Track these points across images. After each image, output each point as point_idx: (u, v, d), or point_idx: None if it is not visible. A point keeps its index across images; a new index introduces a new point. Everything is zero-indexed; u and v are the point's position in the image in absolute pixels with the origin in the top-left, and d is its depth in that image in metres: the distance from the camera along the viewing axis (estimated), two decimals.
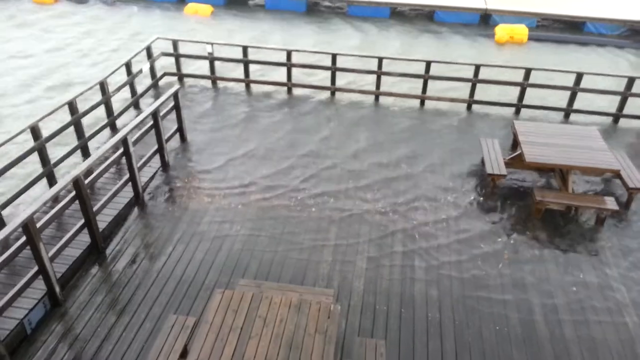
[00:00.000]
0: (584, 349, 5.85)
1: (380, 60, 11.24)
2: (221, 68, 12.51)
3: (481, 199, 8.39)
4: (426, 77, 11.22)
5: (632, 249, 7.40)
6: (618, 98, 10.88)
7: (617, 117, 10.94)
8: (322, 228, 7.52)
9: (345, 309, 6.15)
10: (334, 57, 11.38)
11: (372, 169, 9.03)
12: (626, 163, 8.78)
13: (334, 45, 15.10)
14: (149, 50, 11.34)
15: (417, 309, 6.24)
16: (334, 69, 11.49)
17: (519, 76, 11.04)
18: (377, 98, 11.64)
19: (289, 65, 11.59)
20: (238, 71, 12.24)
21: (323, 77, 12.30)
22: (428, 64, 11.12)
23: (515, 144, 9.56)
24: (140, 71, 10.96)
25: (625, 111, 10.87)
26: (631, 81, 10.60)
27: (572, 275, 6.90)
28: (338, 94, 11.78)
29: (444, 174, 8.96)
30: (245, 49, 11.64)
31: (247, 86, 12.03)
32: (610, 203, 7.83)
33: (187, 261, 6.78)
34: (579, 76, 10.69)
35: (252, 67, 12.09)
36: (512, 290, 6.60)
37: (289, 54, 11.49)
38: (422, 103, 11.54)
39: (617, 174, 8.56)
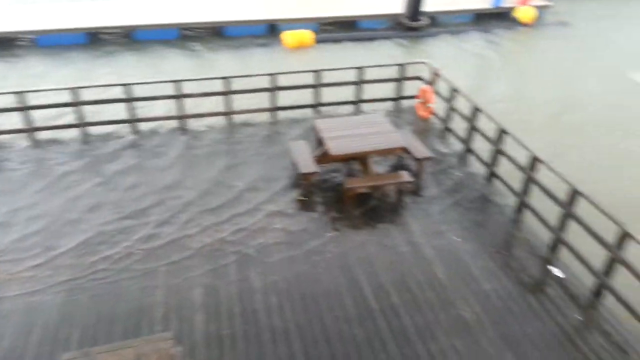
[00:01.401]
0: (410, 309, 6.57)
1: (176, 83, 11.00)
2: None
3: (300, 198, 8.83)
4: (227, 93, 11.36)
5: (429, 213, 8.54)
6: (395, 84, 12.37)
7: (397, 100, 12.45)
8: (150, 269, 7.12)
9: (189, 347, 5.93)
10: (128, 87, 10.80)
11: (190, 194, 8.84)
12: (411, 138, 10.08)
13: (124, 75, 14.36)
14: None
15: (260, 322, 6.32)
16: (129, 100, 10.90)
17: (312, 78, 11.80)
18: (180, 122, 11.39)
19: (77, 103, 10.66)
20: (18, 121, 10.82)
21: (119, 110, 11.59)
22: (226, 80, 11.27)
23: (320, 141, 10.26)
24: None
25: (403, 94, 12.41)
26: (403, 68, 12.13)
27: (388, 248, 7.70)
28: (139, 125, 11.21)
29: (261, 184, 9.19)
30: (20, 94, 10.35)
31: (30, 135, 10.72)
32: (406, 176, 8.92)
33: None
34: (361, 70, 11.90)
35: (38, 113, 10.81)
36: (342, 277, 7.10)
37: (75, 93, 10.55)
38: (229, 119, 11.66)
39: (406, 150, 9.77)
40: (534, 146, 8.16)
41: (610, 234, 6.49)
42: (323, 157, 9.46)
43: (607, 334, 6.32)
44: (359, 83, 11.99)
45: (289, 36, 17.17)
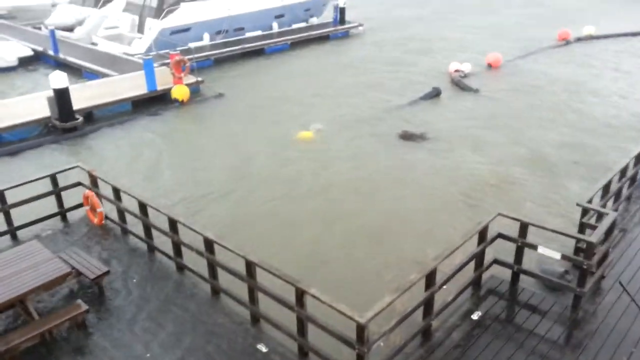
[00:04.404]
0: None
1: None
2: None
3: None
4: None
5: (122, 333, 7.37)
6: (55, 197, 10.68)
7: (62, 214, 10.76)
8: None
9: None
10: None
11: None
12: (81, 257, 8.67)
13: None
14: None
15: None
16: None
17: None
18: None
19: None
20: None
21: None
22: None
23: None
24: None
25: (68, 205, 10.82)
26: (55, 177, 10.54)
27: None
28: None
29: None
30: None
31: None
32: (82, 305, 7.53)
33: None
34: (2, 194, 9.84)
35: None
36: None
37: None
38: None
39: (77, 273, 8.34)
40: (210, 222, 7.95)
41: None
42: None
43: None
44: (4, 209, 9.89)
45: None
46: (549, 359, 6.77)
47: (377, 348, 6.35)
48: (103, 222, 10.38)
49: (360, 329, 5.75)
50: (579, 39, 29.14)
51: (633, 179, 10.49)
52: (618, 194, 9.87)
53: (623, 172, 9.80)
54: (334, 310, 6.00)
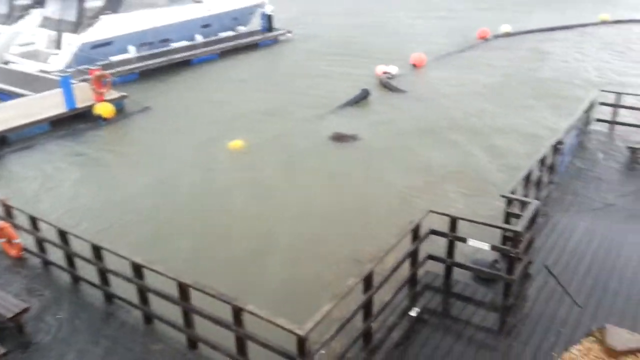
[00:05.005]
0: None
1: None
2: None
3: None
4: None
5: None
6: None
7: None
8: None
9: None
10: None
11: None
12: None
13: None
14: None
15: None
16: None
17: None
18: None
19: None
20: None
21: None
22: None
23: None
24: None
25: None
26: None
27: None
28: None
29: None
30: None
31: None
32: None
33: None
34: None
35: None
36: None
37: None
38: None
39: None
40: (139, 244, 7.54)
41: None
42: None
43: None
44: None
45: None
46: (486, 346, 6.97)
47: (320, 357, 6.24)
48: (22, 254, 9.65)
49: (301, 341, 5.62)
50: (497, 37, 30.63)
51: (552, 167, 11.05)
52: (539, 182, 10.36)
53: (542, 161, 10.31)
54: (274, 325, 5.85)
